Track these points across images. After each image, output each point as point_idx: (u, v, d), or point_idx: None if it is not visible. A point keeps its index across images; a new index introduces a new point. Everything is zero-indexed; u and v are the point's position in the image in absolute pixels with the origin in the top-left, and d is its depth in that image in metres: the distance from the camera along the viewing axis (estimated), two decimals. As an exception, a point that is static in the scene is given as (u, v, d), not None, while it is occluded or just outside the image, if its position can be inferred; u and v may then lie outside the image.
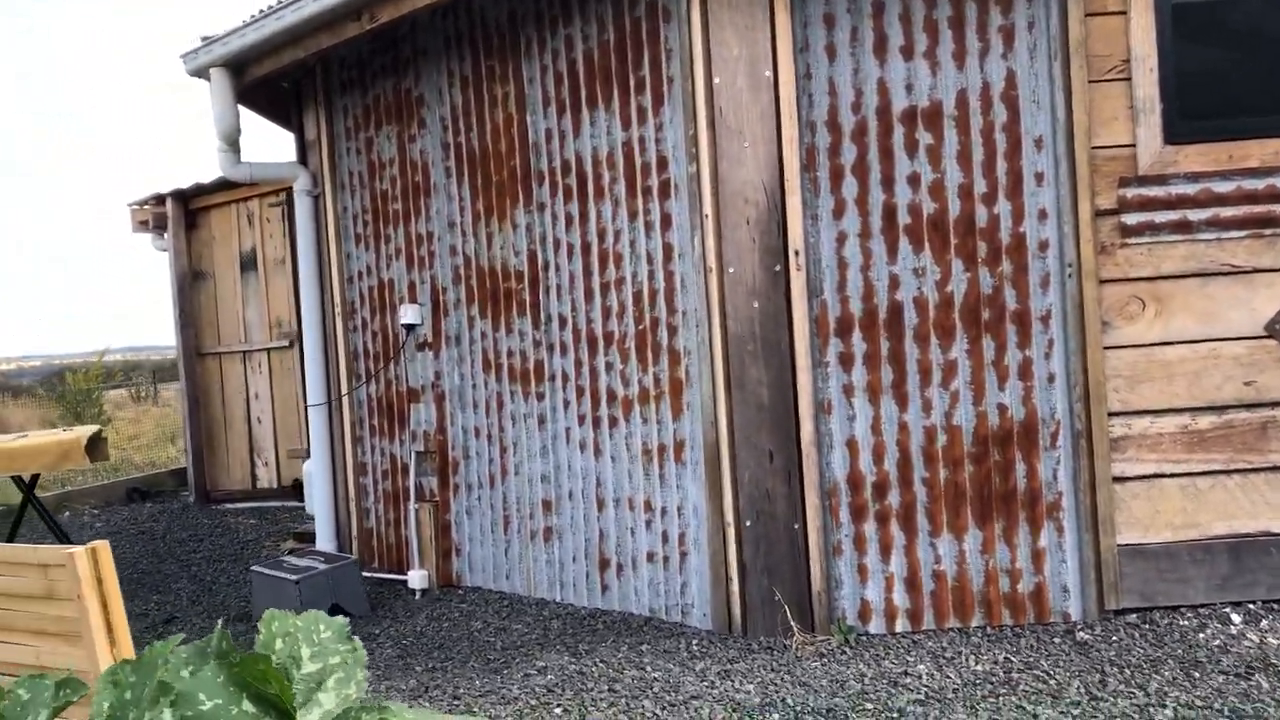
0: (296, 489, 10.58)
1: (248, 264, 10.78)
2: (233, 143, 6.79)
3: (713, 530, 5.02)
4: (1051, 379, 4.86)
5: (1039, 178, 4.83)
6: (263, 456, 10.84)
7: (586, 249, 5.54)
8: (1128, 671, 4.28)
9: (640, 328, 5.32)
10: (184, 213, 10.88)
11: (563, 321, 5.68)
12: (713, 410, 4.97)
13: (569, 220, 5.61)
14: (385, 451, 6.83)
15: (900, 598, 4.90)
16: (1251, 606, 4.85)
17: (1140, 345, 4.87)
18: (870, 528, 4.91)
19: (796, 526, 4.86)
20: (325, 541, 7.12)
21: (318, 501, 7.16)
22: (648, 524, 5.35)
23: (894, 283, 4.88)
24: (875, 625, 4.92)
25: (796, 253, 4.84)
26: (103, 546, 3.04)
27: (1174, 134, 4.82)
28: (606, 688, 4.47)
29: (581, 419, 5.63)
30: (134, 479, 11.48)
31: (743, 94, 4.84)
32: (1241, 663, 4.30)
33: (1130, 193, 4.83)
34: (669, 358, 5.21)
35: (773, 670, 4.55)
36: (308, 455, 10.44)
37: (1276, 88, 4.88)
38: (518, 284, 5.90)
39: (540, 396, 5.84)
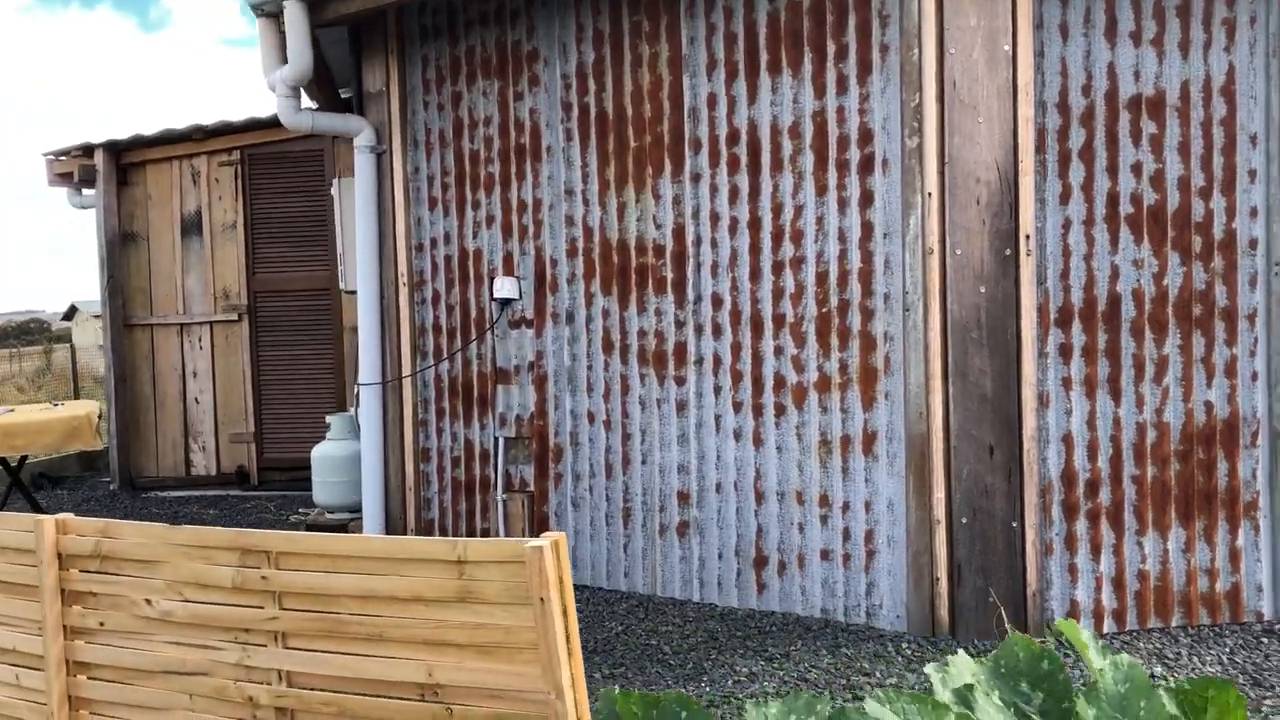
0: (241, 476, 9.62)
1: (190, 228, 9.72)
2: (297, 88, 6.02)
3: (916, 527, 4.74)
4: (1255, 378, 4.83)
5: (1252, 175, 4.79)
6: (199, 440, 9.80)
7: (756, 224, 5.15)
8: None
9: (824, 310, 4.98)
10: (115, 167, 9.70)
11: (717, 301, 5.27)
12: (923, 400, 4.69)
13: (734, 193, 5.20)
14: (459, 437, 6.21)
15: (1107, 598, 4.77)
16: None
17: (1334, 347, 4.90)
18: (1081, 526, 4.75)
19: (1015, 525, 4.65)
20: (373, 533, 6.42)
21: (367, 491, 6.44)
22: (823, 519, 5.02)
23: (1114, 273, 4.74)
24: (1084, 626, 4.75)
25: (1028, 237, 4.62)
26: (561, 539, 2.50)
27: (1376, 139, 4.87)
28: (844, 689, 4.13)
29: (738, 406, 5.24)
30: (38, 463, 10.13)
31: (979, 67, 4.59)
32: None
33: (1333, 195, 4.85)
34: (861, 343, 4.90)
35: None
36: (252, 439, 9.53)
37: None
38: (657, 259, 5.45)
39: (681, 381, 5.40)
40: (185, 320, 9.74)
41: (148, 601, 3.03)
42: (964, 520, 4.65)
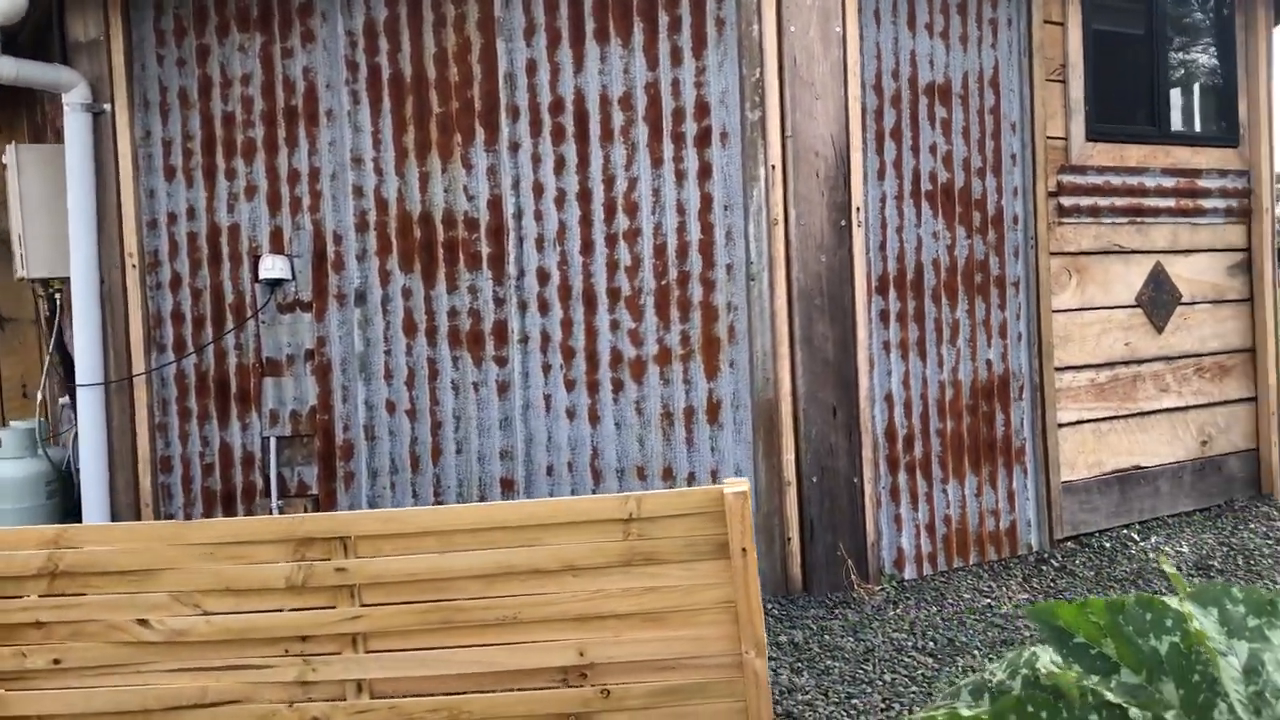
0: None
1: None
2: (9, 29, 4.98)
3: (766, 490, 4.87)
4: (1020, 338, 5.49)
5: (1014, 159, 5.46)
6: None
7: (586, 196, 5.02)
8: (1083, 586, 5.02)
9: (663, 283, 4.97)
10: None
11: (544, 276, 5.07)
12: (771, 367, 4.84)
13: (560, 164, 5.03)
14: (212, 441, 5.43)
15: (924, 543, 5.19)
16: (1137, 527, 5.90)
17: (1068, 310, 5.70)
18: (903, 479, 5.13)
19: (856, 481, 4.93)
20: (101, 564, 5.43)
21: (90, 512, 5.42)
22: (667, 493, 4.99)
23: (919, 245, 5.18)
24: (909, 571, 5.15)
25: (858, 209, 4.92)
26: (745, 485, 2.31)
27: (1091, 132, 5.73)
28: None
29: (571, 384, 5.07)
30: None
31: (815, 45, 4.82)
32: (1153, 570, 5.28)
33: (1065, 179, 5.65)
34: (703, 314, 4.94)
35: (864, 623, 4.59)
36: None
37: (1145, 105, 6.04)
38: (470, 233, 5.13)
39: (502, 361, 5.13)
40: None
41: (142, 623, 2.39)
42: (814, 479, 4.84)
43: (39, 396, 6.07)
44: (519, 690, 2.36)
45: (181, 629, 2.39)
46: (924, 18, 5.16)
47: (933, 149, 5.20)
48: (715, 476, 4.96)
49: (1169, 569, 2.13)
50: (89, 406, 5.42)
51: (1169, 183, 6.00)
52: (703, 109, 4.90)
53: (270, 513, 5.34)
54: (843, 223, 4.87)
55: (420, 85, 5.12)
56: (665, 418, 4.99)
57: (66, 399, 6.13)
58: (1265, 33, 6.33)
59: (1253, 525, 5.92)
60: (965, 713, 1.89)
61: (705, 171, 4.91)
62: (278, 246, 5.30)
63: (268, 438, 5.36)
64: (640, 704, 2.34)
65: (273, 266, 5.25)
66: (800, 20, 4.77)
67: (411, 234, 5.17)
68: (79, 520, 5.46)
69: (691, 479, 4.98)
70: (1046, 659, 2.30)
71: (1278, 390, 6.41)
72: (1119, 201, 5.83)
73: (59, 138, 5.38)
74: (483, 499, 5.16)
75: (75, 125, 5.33)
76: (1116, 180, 5.81)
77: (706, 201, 4.92)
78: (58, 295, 5.91)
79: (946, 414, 5.26)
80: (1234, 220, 6.31)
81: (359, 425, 5.26)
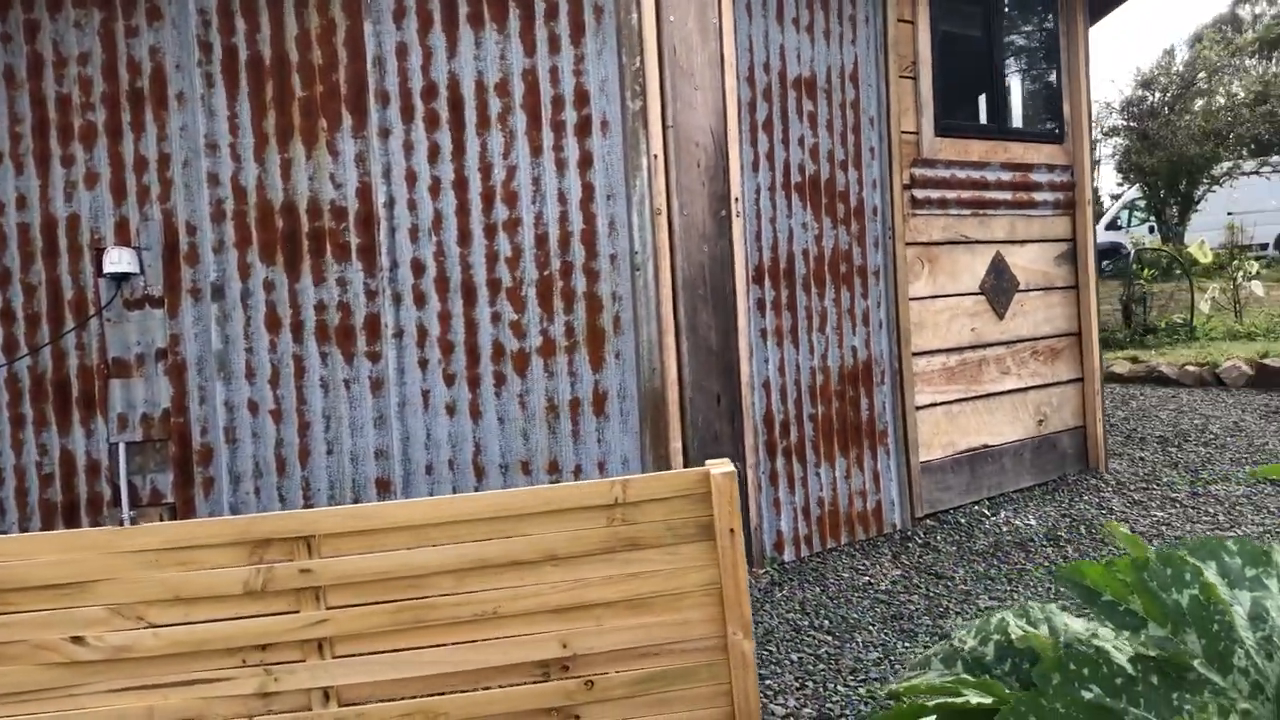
0: None
1: None
2: None
3: (654, 480, 4.87)
4: (881, 325, 5.69)
5: (873, 152, 5.65)
6: None
7: (462, 185, 4.89)
8: (948, 561, 5.29)
9: (545, 273, 4.90)
10: None
11: (419, 268, 4.91)
12: (657, 357, 4.84)
13: (434, 151, 4.88)
14: (50, 449, 5.01)
15: (801, 526, 5.31)
16: (986, 503, 6.22)
17: (921, 298, 5.95)
18: (780, 463, 5.24)
19: (739, 465, 4.99)
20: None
21: (-91, 533, 4.92)
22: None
23: (791, 235, 5.29)
24: (788, 554, 5.25)
25: (737, 199, 4.98)
26: (729, 465, 2.29)
27: (940, 128, 6.00)
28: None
29: (450, 379, 4.93)
30: None
31: (694, 36, 4.85)
32: (1008, 542, 5.61)
33: (917, 172, 5.89)
34: (587, 304, 4.90)
35: (756, 605, 4.67)
36: None
37: (985, 102, 6.36)
38: (337, 223, 4.91)
39: (375, 357, 4.94)
40: None
41: (77, 640, 2.19)
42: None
43: None
44: (498, 687, 2.27)
45: (123, 644, 2.18)
46: (791, 12, 5.27)
47: (800, 141, 5.32)
48: (603, 469, 4.93)
49: (1122, 531, 2.25)
50: (-96, 416, 4.91)
51: (1007, 176, 6.35)
52: (582, 97, 4.86)
53: (120, 524, 4.97)
54: (723, 213, 4.93)
55: (282, 68, 4.88)
56: (550, 410, 4.92)
57: None
58: (1083, 37, 6.78)
59: (1086, 497, 6.34)
60: (987, 681, 1.93)
61: (586, 160, 4.87)
62: (124, 238, 4.94)
63: (116, 444, 5.00)
64: (624, 693, 2.29)
65: (119, 260, 4.90)
66: (679, 10, 4.79)
67: (274, 224, 4.91)
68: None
69: (578, 472, 4.93)
70: (1014, 624, 2.39)
71: (1100, 372, 6.88)
72: (964, 194, 6.12)
73: None
74: (356, 501, 4.96)
75: (-119, 105, 4.82)
76: (962, 174, 6.10)
77: (588, 191, 4.88)
78: None
79: (818, 399, 5.40)
80: (1060, 213, 6.73)
81: (218, 428, 4.96)
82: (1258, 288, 14.51)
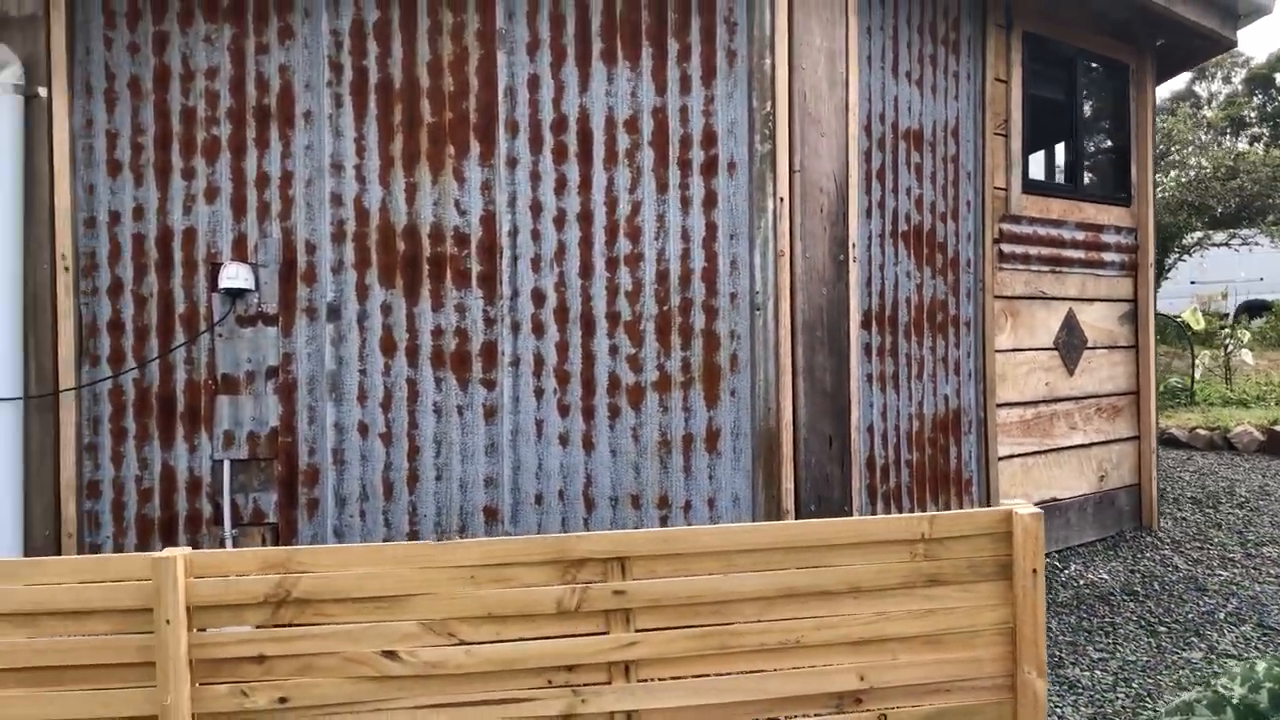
0: None
1: None
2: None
3: (765, 519, 4.89)
4: (970, 375, 5.78)
5: (968, 205, 5.77)
6: None
7: (587, 218, 4.92)
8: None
9: (664, 309, 4.93)
10: None
11: (539, 297, 4.92)
12: (773, 397, 4.88)
13: (561, 183, 4.91)
14: (152, 463, 4.94)
15: (896, 571, 5.34)
16: (1055, 556, 6.30)
17: (1004, 351, 6.05)
18: (880, 508, 5.28)
19: (847, 509, 5.03)
20: None
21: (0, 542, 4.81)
22: (662, 521, 4.94)
23: (896, 282, 5.38)
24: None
25: (854, 245, 5.06)
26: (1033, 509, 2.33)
27: (1025, 185, 6.14)
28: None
29: (565, 410, 4.93)
30: None
31: (822, 84, 4.94)
32: (1089, 595, 5.70)
33: (1005, 227, 6.02)
34: (704, 342, 4.94)
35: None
36: None
37: (1063, 162, 6.52)
38: (460, 249, 4.92)
39: (490, 384, 4.93)
40: None
41: (389, 655, 2.17)
42: (812, 508, 4.91)
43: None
44: (790, 718, 2.28)
45: (435, 660, 2.17)
46: (905, 66, 5.39)
47: (908, 191, 5.42)
48: (713, 506, 4.95)
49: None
50: (2, 424, 4.83)
51: (1080, 235, 6.50)
52: (710, 138, 4.92)
53: (221, 543, 4.91)
54: (841, 257, 5.00)
55: (412, 92, 4.90)
56: (663, 445, 4.93)
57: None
58: (1151, 105, 6.98)
59: (1149, 554, 6.44)
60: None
61: (711, 200, 4.92)
62: (241, 254, 4.92)
63: (220, 461, 4.94)
64: (910, 728, 2.30)
65: (235, 275, 4.87)
66: (810, 59, 4.88)
67: (394, 247, 4.91)
68: None
69: (688, 508, 4.94)
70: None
71: (1155, 431, 7.02)
72: (1044, 251, 6.25)
73: (-6, 120, 4.79)
74: (463, 529, 4.93)
75: (4, 108, 4.79)
76: (1043, 231, 6.24)
77: (711, 230, 4.93)
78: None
79: (913, 445, 5.46)
80: (1125, 274, 6.89)
81: (326, 449, 4.92)
82: (1248, 356, 14.88)
